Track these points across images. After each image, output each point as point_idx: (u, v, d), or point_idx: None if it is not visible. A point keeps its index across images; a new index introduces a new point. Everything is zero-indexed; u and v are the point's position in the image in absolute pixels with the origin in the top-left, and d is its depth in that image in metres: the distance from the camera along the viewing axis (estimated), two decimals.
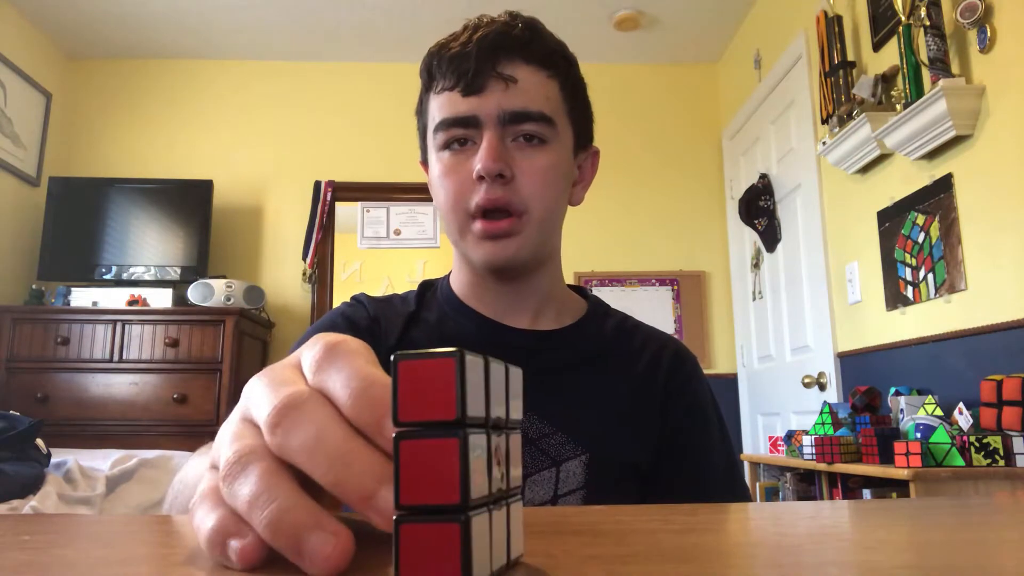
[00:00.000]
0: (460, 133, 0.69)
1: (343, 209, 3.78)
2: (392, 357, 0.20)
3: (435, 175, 0.71)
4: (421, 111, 0.76)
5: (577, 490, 0.65)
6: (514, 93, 0.68)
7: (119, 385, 2.94)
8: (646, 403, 0.72)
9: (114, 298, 3.08)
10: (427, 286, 0.80)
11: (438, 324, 0.75)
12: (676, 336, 0.83)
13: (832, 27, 2.46)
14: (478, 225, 0.68)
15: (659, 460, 0.70)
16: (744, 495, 0.74)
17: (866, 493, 1.82)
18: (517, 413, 0.24)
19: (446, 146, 0.70)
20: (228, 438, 0.26)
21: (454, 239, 0.72)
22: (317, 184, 3.57)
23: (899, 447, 1.61)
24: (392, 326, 0.74)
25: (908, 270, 2.12)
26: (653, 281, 3.56)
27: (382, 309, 0.75)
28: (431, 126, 0.72)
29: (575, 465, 0.66)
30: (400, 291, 0.82)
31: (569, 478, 0.65)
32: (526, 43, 0.70)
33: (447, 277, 0.80)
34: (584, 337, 0.75)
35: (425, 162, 0.77)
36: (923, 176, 2.06)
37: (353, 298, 0.78)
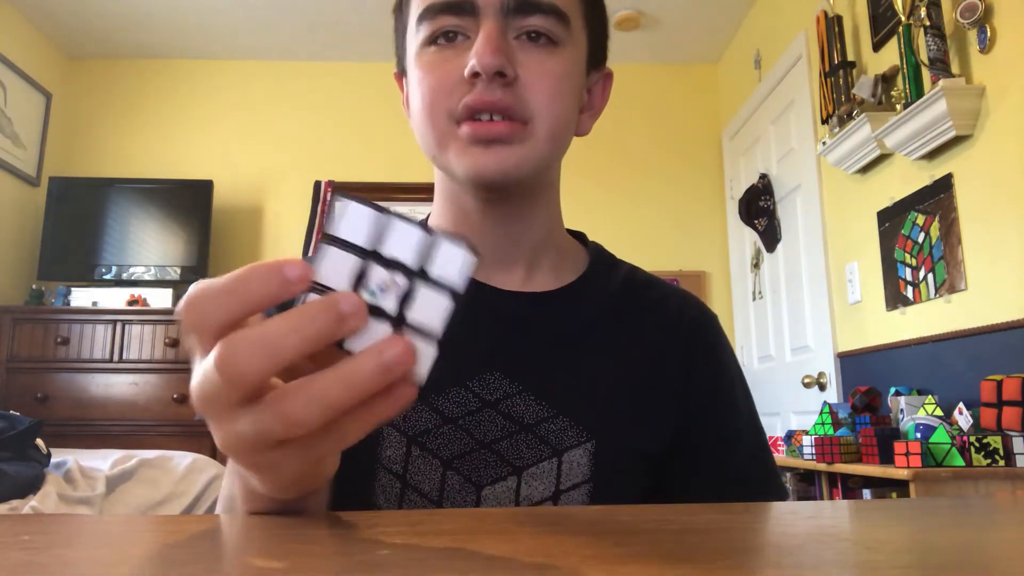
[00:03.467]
0: (451, 22, 0.56)
1: None
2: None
3: (414, 78, 0.58)
4: (400, 5, 0.63)
5: (582, 484, 0.56)
6: None
7: (119, 385, 2.94)
8: (663, 375, 0.61)
9: (114, 298, 3.08)
10: None
11: None
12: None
13: (832, 27, 2.46)
14: (465, 128, 0.54)
15: (678, 445, 0.60)
16: (776, 483, 0.63)
17: (866, 493, 1.82)
18: (444, 279, 0.29)
19: (431, 40, 0.57)
20: None
21: (432, 153, 0.58)
22: (317, 184, 3.57)
23: (899, 447, 1.61)
24: None
25: (908, 270, 2.12)
26: None
27: None
28: (413, 18, 0.58)
29: (579, 454, 0.56)
30: None
31: (573, 470, 0.56)
32: None
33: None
34: (587, 298, 0.63)
35: (400, 73, 0.65)
36: (923, 176, 2.06)
37: None
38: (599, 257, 0.68)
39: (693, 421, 0.61)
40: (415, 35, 0.58)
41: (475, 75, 0.53)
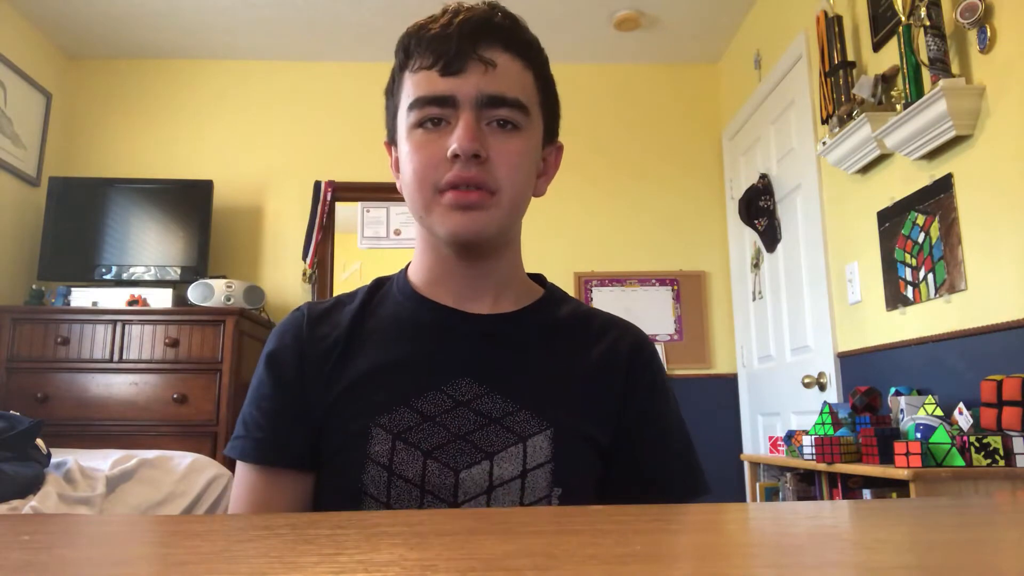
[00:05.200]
0: (435, 112, 0.69)
1: (343, 209, 3.78)
2: None
3: (404, 152, 0.72)
4: (393, 90, 0.77)
5: (545, 463, 0.67)
6: (493, 77, 0.69)
7: (119, 385, 2.94)
8: (607, 385, 0.74)
9: (114, 298, 3.08)
10: (381, 281, 0.81)
11: (392, 314, 0.76)
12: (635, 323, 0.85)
13: (832, 27, 2.46)
14: (448, 196, 0.68)
15: (621, 438, 0.73)
16: (701, 476, 0.76)
17: (866, 493, 1.82)
18: None
19: (419, 124, 0.70)
20: None
21: (419, 215, 0.72)
22: (317, 184, 3.57)
23: (899, 447, 1.61)
24: (337, 327, 0.74)
25: (908, 270, 2.12)
26: (653, 281, 3.56)
27: (322, 319, 0.76)
28: (404, 103, 0.72)
29: (541, 439, 0.68)
30: None
31: (536, 452, 0.67)
32: (506, 31, 0.71)
33: (404, 271, 0.81)
34: (542, 318, 0.77)
35: (390, 143, 0.79)
36: (923, 176, 2.06)
37: (297, 311, 0.77)
38: (553, 291, 0.82)
39: (632, 423, 0.74)
40: (406, 117, 0.72)
41: (456, 156, 0.67)
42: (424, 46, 0.70)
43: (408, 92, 0.72)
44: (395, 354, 0.72)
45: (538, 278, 0.84)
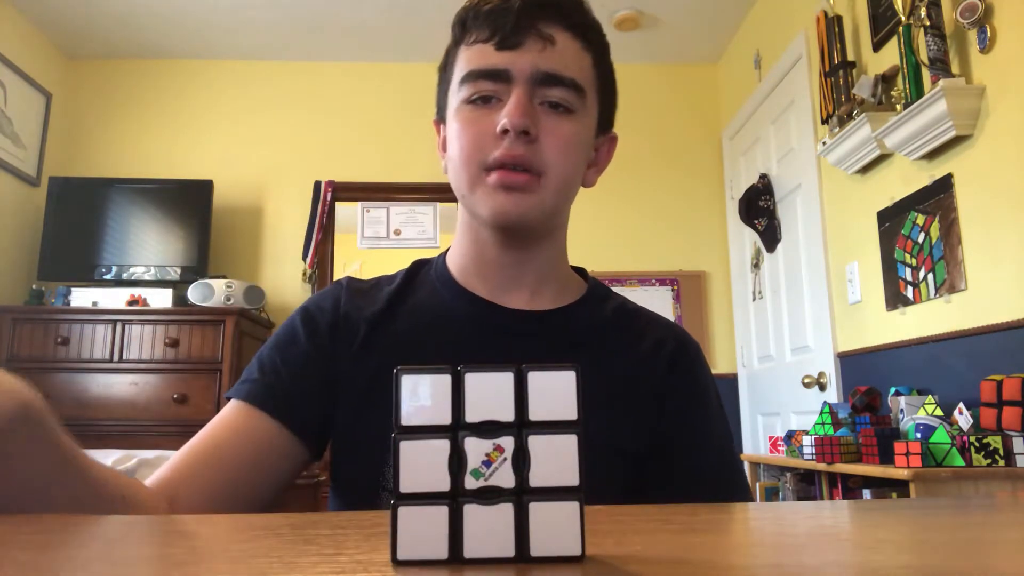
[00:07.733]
0: (488, 87, 0.66)
1: (343, 209, 3.78)
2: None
3: (453, 129, 0.69)
4: (446, 65, 0.73)
5: None
6: (550, 54, 0.66)
7: (119, 385, 2.94)
8: (643, 389, 0.70)
9: (114, 298, 3.08)
10: (420, 264, 0.79)
11: (427, 301, 0.73)
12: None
13: (832, 27, 2.46)
14: (494, 176, 0.65)
15: (656, 444, 0.69)
16: (742, 485, 0.72)
17: (866, 493, 1.82)
18: (551, 414, 0.24)
19: (470, 99, 0.67)
20: None
21: (462, 193, 0.69)
22: (317, 184, 3.57)
23: (899, 447, 1.61)
24: (371, 305, 0.72)
25: (908, 270, 2.12)
26: (653, 281, 3.56)
27: (361, 294, 0.74)
28: (457, 77, 0.69)
29: None
30: None
31: None
32: (568, 10, 0.69)
33: (444, 255, 0.78)
34: (580, 319, 0.73)
35: (439, 121, 0.75)
36: (923, 176, 2.06)
37: (337, 282, 0.76)
38: (596, 288, 0.79)
39: (669, 429, 0.70)
40: (456, 93, 0.69)
41: (505, 132, 0.64)
42: (482, 19, 0.67)
43: (461, 66, 0.69)
44: (426, 347, 0.69)
45: (580, 271, 0.80)
